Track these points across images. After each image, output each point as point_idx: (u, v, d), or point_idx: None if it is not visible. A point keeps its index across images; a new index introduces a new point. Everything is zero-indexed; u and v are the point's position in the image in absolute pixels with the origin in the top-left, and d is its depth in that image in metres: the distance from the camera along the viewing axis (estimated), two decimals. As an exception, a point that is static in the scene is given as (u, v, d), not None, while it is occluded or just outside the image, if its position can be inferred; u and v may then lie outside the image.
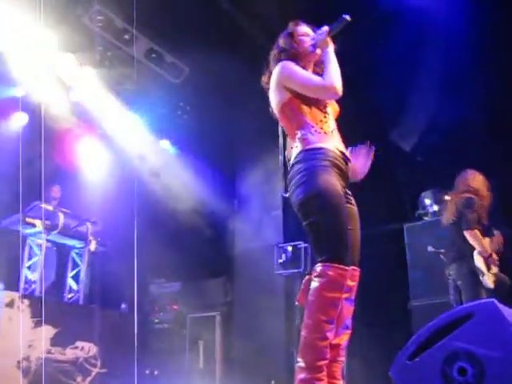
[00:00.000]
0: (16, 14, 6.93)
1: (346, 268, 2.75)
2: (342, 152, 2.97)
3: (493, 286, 5.20)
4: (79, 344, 5.99)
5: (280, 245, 8.12)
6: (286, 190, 3.03)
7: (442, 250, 5.98)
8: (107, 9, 7.45)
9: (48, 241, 6.98)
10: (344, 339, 2.89)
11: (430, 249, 6.59)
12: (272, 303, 8.24)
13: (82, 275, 7.23)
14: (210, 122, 8.84)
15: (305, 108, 3.00)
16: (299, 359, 2.71)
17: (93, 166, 8.89)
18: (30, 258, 6.96)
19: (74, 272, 7.42)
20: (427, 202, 7.86)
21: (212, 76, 8.33)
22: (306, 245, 7.84)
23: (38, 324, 5.63)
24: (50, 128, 7.99)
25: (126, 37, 7.83)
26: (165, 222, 8.56)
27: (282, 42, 3.24)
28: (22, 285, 6.74)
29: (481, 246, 5.24)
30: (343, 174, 2.94)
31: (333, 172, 2.83)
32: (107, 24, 7.56)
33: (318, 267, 2.71)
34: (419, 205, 7.94)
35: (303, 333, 2.71)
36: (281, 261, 7.98)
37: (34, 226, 6.67)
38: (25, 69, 7.58)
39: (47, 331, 5.72)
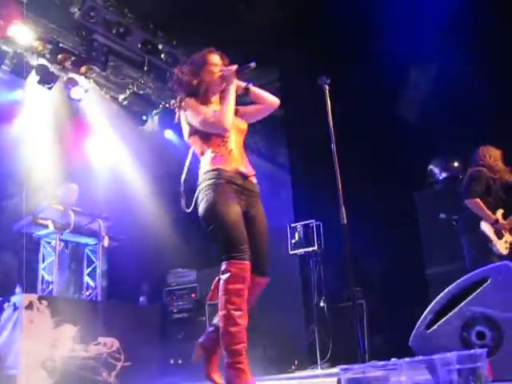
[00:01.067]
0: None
1: (244, 262, 3.22)
2: (237, 170, 3.45)
3: (505, 253, 5.21)
4: (101, 340, 6.02)
5: (292, 225, 8.13)
6: (186, 206, 3.59)
7: (455, 217, 5.98)
8: (99, 4, 7.43)
9: (61, 240, 7.01)
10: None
11: (441, 216, 6.58)
12: (289, 283, 8.27)
13: (98, 272, 7.26)
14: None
15: (205, 137, 3.52)
16: (223, 350, 3.18)
17: (100, 161, 8.92)
18: (44, 259, 7.01)
19: (90, 269, 7.45)
20: (436, 169, 7.84)
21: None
22: (318, 223, 7.85)
23: (58, 323, 5.66)
24: (56, 127, 8.02)
25: (121, 30, 7.81)
26: (175, 211, 8.57)
27: (192, 65, 3.65)
28: (39, 286, 6.80)
29: (484, 214, 5.27)
30: (242, 188, 3.45)
31: (227, 188, 3.36)
32: (100, 19, 7.54)
33: (222, 266, 3.23)
34: (428, 173, 7.92)
35: (220, 324, 3.19)
36: (294, 241, 7.99)
37: (46, 227, 6.70)
38: (25, 72, 7.60)
39: (68, 330, 5.76)
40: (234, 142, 3.56)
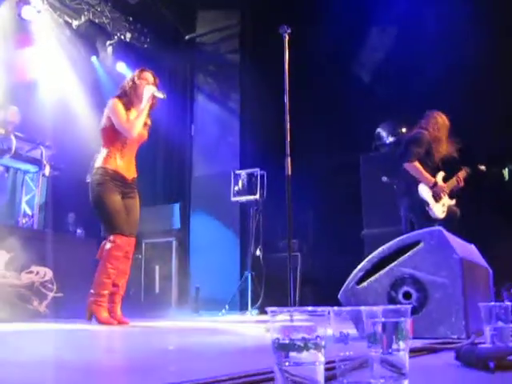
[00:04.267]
0: None
1: (125, 236, 4.47)
2: (119, 172, 4.51)
3: (442, 216, 5.26)
4: (34, 269, 5.96)
5: (236, 171, 8.15)
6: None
7: (396, 181, 6.03)
8: None
9: (0, 165, 6.84)
10: (122, 282, 4.54)
11: (384, 179, 6.68)
12: (228, 229, 8.34)
13: (37, 200, 7.15)
14: (167, 45, 8.64)
15: (112, 136, 4.53)
16: (92, 290, 4.38)
17: (47, 87, 8.63)
18: (-18, 182, 6.85)
19: (28, 197, 7.32)
20: (383, 133, 7.92)
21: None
22: (263, 172, 7.88)
23: (-9, 248, 5.57)
24: (1, 45, 7.70)
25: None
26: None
27: (127, 81, 4.77)
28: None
29: (422, 177, 5.24)
30: (121, 183, 4.53)
31: (108, 183, 4.44)
32: None
33: (110, 236, 4.41)
34: (376, 136, 8.00)
35: (97, 273, 4.40)
36: (237, 188, 8.02)
37: (-15, 150, 6.52)
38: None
39: (1, 256, 5.67)
40: (130, 149, 4.63)
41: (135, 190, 4.71)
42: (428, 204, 5.21)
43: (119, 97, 4.66)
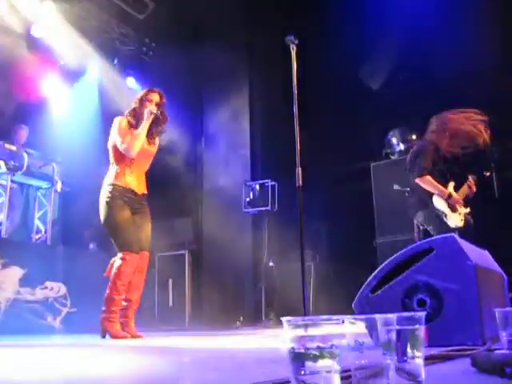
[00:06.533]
0: None
1: (135, 253, 4.50)
2: (129, 188, 4.59)
3: (461, 225, 5.19)
4: (48, 284, 6.00)
5: (248, 183, 8.16)
6: None
7: (408, 189, 5.97)
8: None
9: (13, 182, 6.89)
10: (135, 297, 4.59)
11: (395, 187, 6.65)
12: (240, 241, 8.33)
13: (49, 216, 7.19)
14: (175, 59, 8.67)
15: (121, 153, 4.59)
16: (103, 307, 4.43)
17: (57, 104, 8.70)
18: (-6, 200, 6.89)
19: (41, 213, 7.36)
20: (394, 140, 7.90)
21: (177, 12, 8.15)
22: (274, 183, 7.89)
23: (5, 265, 5.60)
24: (10, 64, 7.77)
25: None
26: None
27: (134, 100, 4.81)
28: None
29: (436, 189, 5.16)
30: (131, 199, 4.60)
31: (118, 200, 4.52)
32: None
33: (119, 253, 4.46)
34: (386, 143, 7.99)
35: (107, 290, 4.41)
36: (248, 199, 8.03)
37: (-2, 166, 6.57)
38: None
39: (16, 272, 5.70)
40: (139, 165, 4.69)
41: (145, 205, 4.76)
42: (445, 215, 5.15)
43: (126, 116, 4.74)
